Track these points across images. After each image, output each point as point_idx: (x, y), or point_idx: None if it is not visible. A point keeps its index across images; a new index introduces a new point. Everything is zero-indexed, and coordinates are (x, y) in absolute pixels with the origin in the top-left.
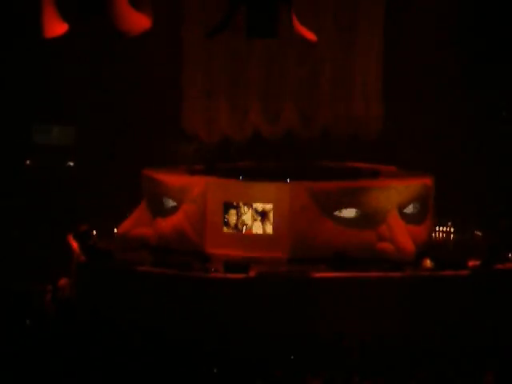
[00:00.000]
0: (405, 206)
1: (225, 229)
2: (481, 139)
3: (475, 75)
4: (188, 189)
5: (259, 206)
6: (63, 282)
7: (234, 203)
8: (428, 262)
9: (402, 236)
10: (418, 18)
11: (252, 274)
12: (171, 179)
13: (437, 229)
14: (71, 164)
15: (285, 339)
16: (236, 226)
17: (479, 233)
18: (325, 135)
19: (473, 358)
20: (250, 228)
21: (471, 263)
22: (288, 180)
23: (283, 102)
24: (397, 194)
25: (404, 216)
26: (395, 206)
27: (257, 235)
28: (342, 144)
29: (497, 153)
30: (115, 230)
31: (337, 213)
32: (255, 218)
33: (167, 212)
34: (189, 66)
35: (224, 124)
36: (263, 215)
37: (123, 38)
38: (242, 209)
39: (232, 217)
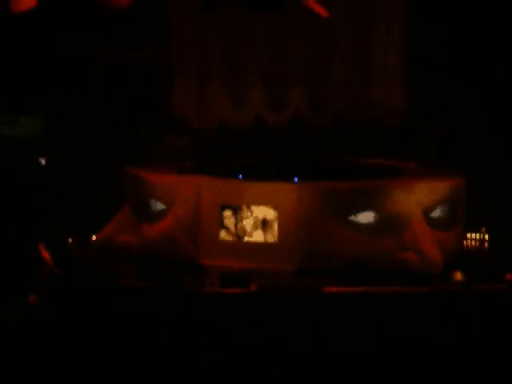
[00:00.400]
0: (431, 209)
1: (222, 236)
2: None
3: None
4: (179, 189)
5: (262, 210)
6: (33, 298)
7: (233, 206)
8: (458, 275)
9: (428, 244)
10: None
11: (253, 288)
12: (159, 178)
13: (468, 236)
14: (42, 160)
15: (291, 362)
16: (235, 232)
17: None
18: (337, 125)
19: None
20: (251, 235)
21: (509, 276)
22: (295, 179)
23: (289, 85)
24: (422, 195)
25: (430, 221)
26: (420, 210)
27: (259, 243)
28: (357, 134)
29: None
30: (94, 237)
31: (352, 217)
32: (257, 223)
33: (155, 216)
34: (180, 44)
35: (221, 110)
36: (266, 220)
37: (106, 11)
38: (242, 213)
39: (230, 222)
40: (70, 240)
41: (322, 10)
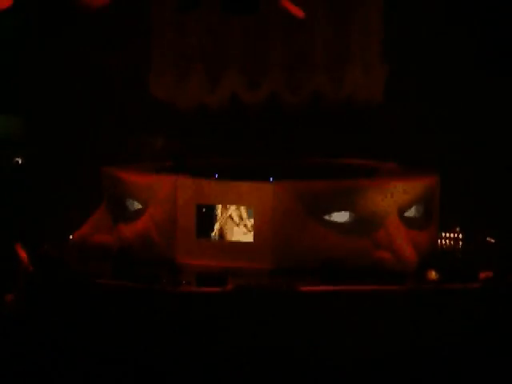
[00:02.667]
0: (406, 208)
1: (198, 235)
2: (495, 131)
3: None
4: (155, 189)
5: (238, 210)
6: (10, 297)
7: (209, 206)
8: (433, 274)
9: (403, 243)
10: None
11: (229, 287)
12: (135, 178)
13: (443, 235)
14: (18, 160)
15: (267, 360)
16: (211, 232)
17: (491, 240)
18: (316, 104)
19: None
20: (227, 234)
21: (482, 275)
22: (271, 179)
23: (265, 63)
24: (397, 195)
25: (405, 220)
26: (395, 209)
27: (235, 243)
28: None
29: None
30: (70, 237)
31: (327, 217)
32: (233, 222)
33: (131, 216)
34: (159, 43)
35: (197, 89)
36: (242, 220)
37: (82, 11)
38: (218, 212)
39: (206, 221)
40: (47, 239)
41: (297, 11)
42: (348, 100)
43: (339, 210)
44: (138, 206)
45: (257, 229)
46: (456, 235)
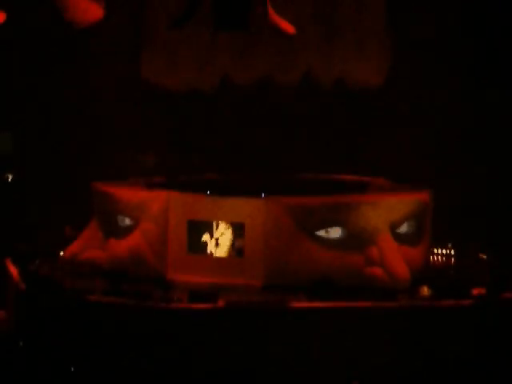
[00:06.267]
0: (398, 224)
1: (189, 251)
2: (489, 147)
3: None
4: (146, 205)
5: (229, 225)
6: (0, 314)
7: (200, 222)
8: (425, 290)
9: (395, 259)
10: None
11: (221, 303)
12: (126, 194)
13: (435, 251)
14: (9, 176)
15: (258, 378)
16: (202, 248)
17: (484, 256)
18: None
19: None
20: (219, 250)
21: (475, 291)
22: (262, 195)
23: (256, 42)
24: (388, 210)
25: (397, 236)
26: (387, 225)
27: (226, 259)
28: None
29: (508, 165)
30: (61, 253)
31: (319, 233)
32: (224, 238)
33: (122, 232)
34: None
35: (187, 71)
36: (234, 236)
37: (73, 29)
38: (210, 228)
39: (198, 237)
40: (37, 256)
41: (288, 27)
42: (341, 80)
43: (331, 225)
44: (129, 222)
45: (248, 245)
46: (448, 251)
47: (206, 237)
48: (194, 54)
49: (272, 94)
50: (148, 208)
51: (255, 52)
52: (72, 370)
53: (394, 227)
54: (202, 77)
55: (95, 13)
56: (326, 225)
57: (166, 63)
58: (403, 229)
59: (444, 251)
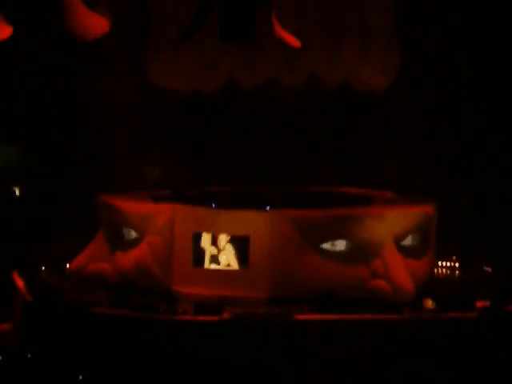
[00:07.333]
0: (402, 237)
1: (195, 264)
2: (492, 158)
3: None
4: (152, 218)
5: (235, 238)
6: (5, 326)
7: (206, 234)
8: (429, 303)
9: (400, 272)
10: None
11: (226, 316)
12: (132, 207)
13: (439, 264)
14: (16, 189)
15: None
16: (208, 260)
17: (488, 269)
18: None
19: None
20: (224, 263)
21: (479, 304)
22: (268, 208)
23: (261, 44)
24: (393, 223)
25: (401, 249)
26: (391, 238)
27: (232, 271)
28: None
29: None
30: (67, 266)
31: (324, 245)
32: (230, 251)
33: (128, 245)
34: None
35: (192, 73)
36: (239, 248)
37: (78, 42)
38: (215, 241)
39: (203, 250)
40: (44, 268)
41: (293, 41)
42: (346, 84)
43: (336, 238)
44: (135, 234)
45: (254, 257)
46: (452, 264)
47: (211, 249)
48: (198, 58)
49: (276, 102)
50: (154, 221)
51: (261, 54)
52: (80, 378)
53: (398, 240)
54: (207, 80)
55: (101, 27)
56: (331, 237)
57: (171, 67)
58: (408, 241)
59: (448, 264)
